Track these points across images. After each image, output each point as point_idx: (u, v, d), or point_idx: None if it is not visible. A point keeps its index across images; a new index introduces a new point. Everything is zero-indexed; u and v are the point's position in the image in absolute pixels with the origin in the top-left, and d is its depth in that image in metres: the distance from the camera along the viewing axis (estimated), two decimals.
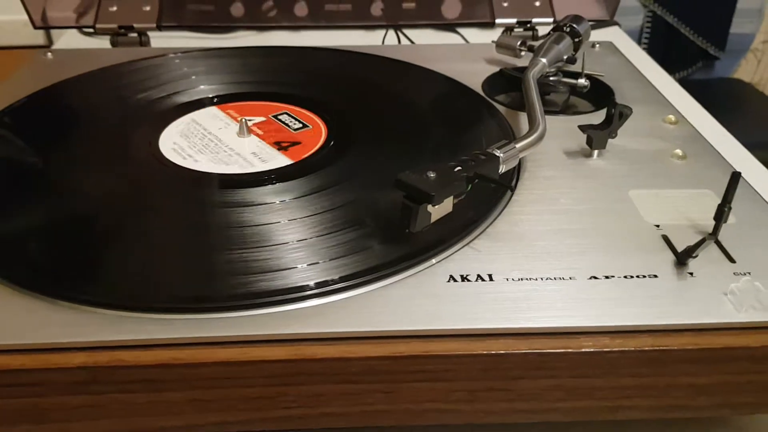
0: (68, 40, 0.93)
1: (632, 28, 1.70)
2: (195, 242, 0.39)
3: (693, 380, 0.35)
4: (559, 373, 0.34)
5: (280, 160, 0.47)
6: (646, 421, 0.39)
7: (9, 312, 0.34)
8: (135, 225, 0.41)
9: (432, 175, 0.36)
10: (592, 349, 0.33)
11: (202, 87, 0.57)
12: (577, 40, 0.59)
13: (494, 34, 0.70)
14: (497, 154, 0.41)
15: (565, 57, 0.56)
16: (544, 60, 0.54)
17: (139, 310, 0.33)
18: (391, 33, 0.94)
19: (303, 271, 0.36)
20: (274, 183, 0.44)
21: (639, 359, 0.34)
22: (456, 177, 0.37)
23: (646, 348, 0.34)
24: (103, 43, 0.77)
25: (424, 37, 0.92)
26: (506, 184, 0.40)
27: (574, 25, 0.58)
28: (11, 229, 0.40)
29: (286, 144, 0.49)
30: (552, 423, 0.38)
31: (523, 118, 0.53)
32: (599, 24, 0.99)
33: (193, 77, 0.58)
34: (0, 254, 0.37)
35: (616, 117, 0.47)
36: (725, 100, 1.63)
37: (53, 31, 1.00)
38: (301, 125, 0.51)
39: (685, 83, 1.74)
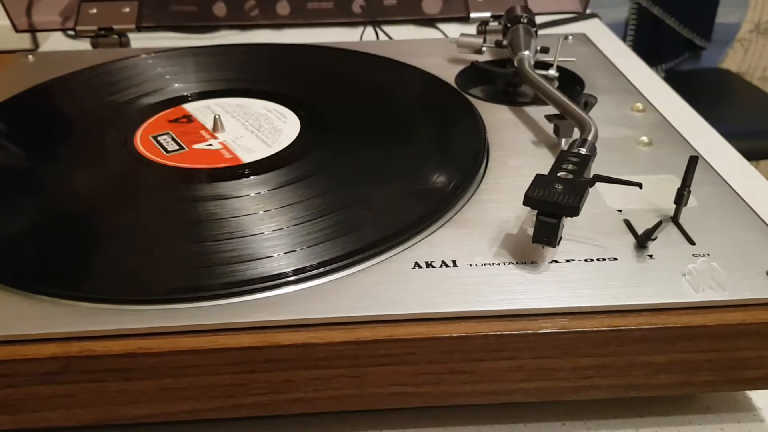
0: (54, 43, 0.93)
1: (617, 21, 1.71)
2: (168, 235, 0.40)
3: (652, 359, 0.36)
4: (520, 355, 0.35)
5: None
6: (626, 403, 0.40)
7: None
8: (107, 219, 0.41)
9: (559, 186, 0.36)
10: (550, 330, 0.34)
11: (176, 85, 0.58)
12: (534, 29, 0.60)
13: (470, 30, 0.71)
14: (588, 153, 0.41)
15: (539, 47, 0.57)
16: (527, 53, 0.55)
17: (109, 302, 0.34)
18: (370, 30, 0.95)
19: (271, 261, 0.37)
20: (249, 176, 0.45)
21: (597, 339, 0.35)
22: (581, 184, 0.37)
23: (604, 328, 0.35)
24: (88, 45, 0.77)
25: (404, 33, 0.93)
26: (635, 183, 0.39)
27: (527, 15, 0.59)
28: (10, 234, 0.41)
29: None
30: (539, 407, 0.39)
31: (496, 109, 0.54)
32: (579, 17, 1.00)
33: (168, 76, 0.59)
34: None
35: (582, 105, 0.48)
36: (713, 91, 1.64)
37: (39, 35, 1.01)
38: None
39: (672, 74, 1.76)
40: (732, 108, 1.56)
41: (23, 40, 1.03)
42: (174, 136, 0.50)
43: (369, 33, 0.94)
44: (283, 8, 0.90)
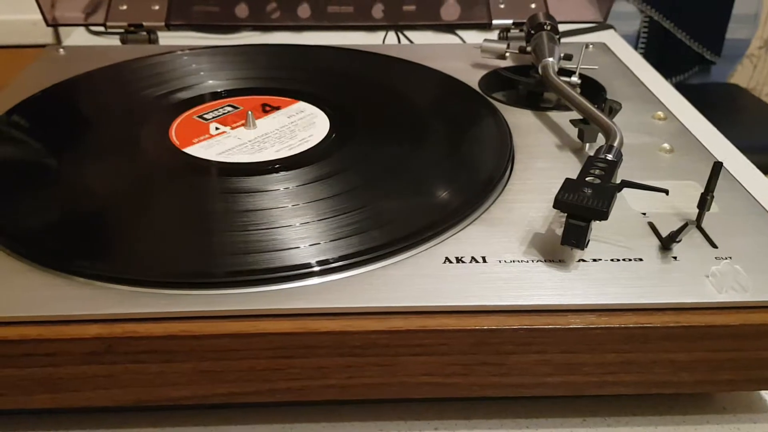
0: (76, 39, 0.95)
1: (629, 33, 1.72)
2: (204, 224, 0.41)
3: (675, 357, 0.36)
4: (548, 349, 0.36)
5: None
6: (644, 401, 0.41)
7: (29, 287, 0.36)
8: (149, 206, 0.43)
9: (588, 191, 0.37)
10: (579, 326, 0.35)
11: (210, 82, 0.59)
12: (557, 36, 0.61)
13: (491, 36, 0.72)
14: (615, 159, 0.42)
15: (562, 54, 0.58)
16: (552, 59, 0.56)
17: (151, 286, 0.35)
18: (391, 33, 0.96)
19: (306, 251, 0.38)
20: (279, 172, 0.46)
21: (623, 336, 0.36)
22: (610, 189, 0.38)
23: (630, 325, 0.36)
24: (110, 41, 0.79)
25: (422, 38, 0.94)
26: (662, 189, 0.40)
27: (551, 23, 0.61)
28: (32, 212, 0.42)
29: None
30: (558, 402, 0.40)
31: (520, 113, 0.56)
32: (595, 27, 1.01)
33: (201, 73, 0.60)
34: (22, 235, 0.39)
35: (606, 111, 0.49)
36: (721, 105, 1.66)
37: (61, 31, 1.02)
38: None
39: (681, 88, 1.76)
40: (741, 122, 1.57)
41: (45, 36, 1.04)
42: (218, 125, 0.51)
43: (389, 37, 0.95)
44: (303, 11, 0.92)
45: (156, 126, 0.51)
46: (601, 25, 1.07)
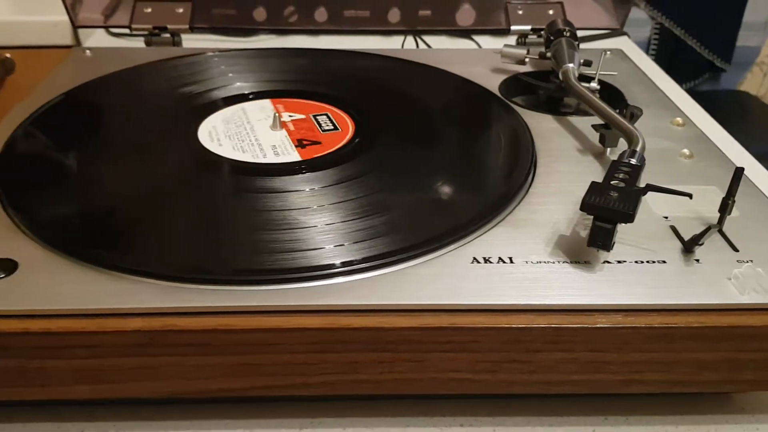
0: (96, 40, 0.96)
1: (640, 40, 1.74)
2: (237, 223, 0.42)
3: (698, 356, 0.37)
4: (575, 347, 0.37)
5: (293, 156, 0.50)
6: (665, 400, 0.42)
7: (73, 282, 0.37)
8: (185, 206, 0.44)
9: (615, 194, 0.38)
10: (605, 325, 0.36)
11: (249, 83, 0.61)
12: (576, 42, 0.62)
13: (505, 41, 0.73)
14: (639, 164, 0.43)
15: (582, 60, 0.59)
16: (572, 65, 0.57)
17: (190, 282, 0.36)
18: (409, 38, 0.97)
19: (338, 250, 0.39)
20: (305, 173, 0.47)
21: (649, 336, 0.37)
22: (635, 193, 0.39)
23: (655, 325, 0.37)
24: (130, 43, 0.80)
25: (438, 42, 0.95)
26: (686, 193, 0.42)
27: (570, 29, 0.62)
28: (74, 210, 0.43)
29: (306, 142, 0.51)
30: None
31: (541, 118, 0.57)
32: (609, 33, 1.02)
33: (232, 74, 0.61)
34: (65, 233, 0.40)
35: (628, 117, 0.50)
36: (731, 112, 1.66)
37: (81, 33, 1.03)
38: (332, 127, 0.54)
39: (691, 94, 1.77)
40: (751, 130, 1.58)
41: (64, 37, 1.05)
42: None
43: (400, 41, 0.96)
44: (320, 15, 0.93)
45: (184, 125, 0.52)
46: (615, 32, 1.08)
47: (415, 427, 0.41)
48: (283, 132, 0.53)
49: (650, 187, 0.41)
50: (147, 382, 0.36)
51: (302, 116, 0.55)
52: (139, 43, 0.80)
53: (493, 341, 0.36)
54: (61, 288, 0.36)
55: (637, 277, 0.39)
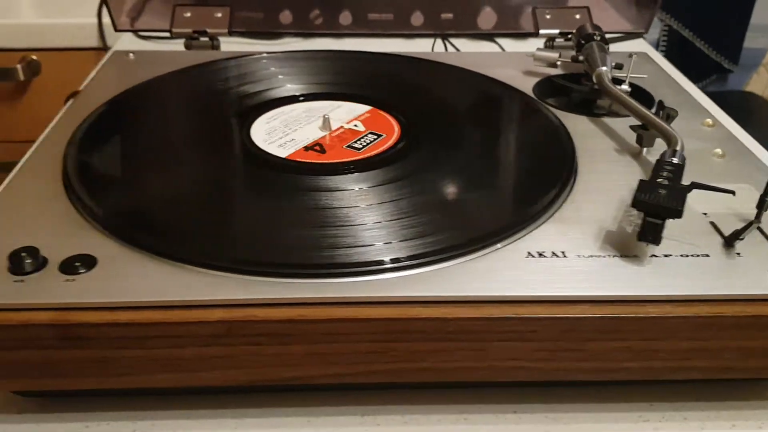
0: (126, 43, 0.98)
1: (648, 42, 1.76)
2: (303, 219, 0.44)
3: (744, 344, 0.40)
4: (628, 336, 0.39)
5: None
6: (707, 387, 0.44)
7: (152, 276, 0.39)
8: (251, 204, 0.47)
9: (663, 191, 0.41)
10: (657, 315, 0.39)
11: (298, 85, 0.63)
12: (606, 46, 0.65)
13: (526, 43, 0.75)
14: (680, 163, 0.45)
15: (613, 63, 0.61)
16: (605, 68, 0.59)
17: (266, 275, 0.39)
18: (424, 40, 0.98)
19: (401, 245, 0.41)
20: (353, 172, 0.49)
21: (697, 324, 0.39)
22: (682, 190, 0.42)
23: (704, 314, 0.39)
24: (157, 45, 0.82)
25: (460, 45, 0.97)
26: (729, 190, 0.44)
27: (599, 33, 0.64)
28: (147, 206, 0.46)
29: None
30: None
31: (576, 119, 0.59)
32: (624, 36, 1.04)
33: (282, 76, 0.64)
34: (143, 229, 0.43)
35: (664, 118, 0.52)
36: (739, 113, 1.68)
37: (108, 36, 1.05)
38: (375, 138, 0.55)
39: None
40: (760, 130, 1.60)
41: (91, 39, 1.08)
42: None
43: (423, 44, 0.98)
44: (345, 18, 0.95)
45: (238, 125, 0.55)
46: (630, 35, 1.10)
47: (470, 414, 0.43)
48: (327, 134, 0.55)
49: (695, 185, 0.43)
50: (225, 370, 0.38)
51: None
52: (167, 45, 0.83)
53: (551, 330, 0.38)
54: (141, 281, 0.38)
55: (683, 270, 0.41)
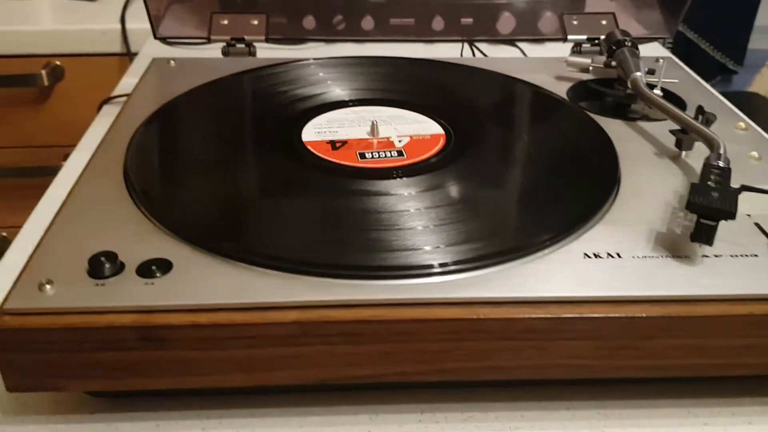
0: (152, 48, 0.99)
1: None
2: (366, 223, 0.46)
3: None
4: (683, 334, 0.41)
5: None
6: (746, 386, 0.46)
7: (228, 279, 0.40)
8: (315, 208, 0.48)
9: (715, 194, 0.42)
10: (712, 314, 0.40)
11: (346, 91, 0.65)
12: (637, 51, 0.66)
13: (545, 48, 0.76)
14: (728, 167, 0.47)
15: (646, 69, 0.63)
16: (639, 74, 0.61)
17: (336, 277, 0.40)
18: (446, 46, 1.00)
19: (464, 247, 0.43)
20: (401, 177, 0.51)
21: (751, 322, 0.40)
22: (733, 192, 0.43)
23: (757, 313, 0.40)
24: (185, 51, 0.83)
25: (484, 49, 0.99)
26: None
27: (630, 39, 0.66)
28: (217, 212, 0.48)
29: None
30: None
31: (613, 123, 0.60)
32: (641, 39, 1.06)
33: (329, 82, 0.66)
34: (216, 234, 0.44)
35: (704, 122, 0.54)
36: (744, 113, 1.71)
37: (132, 42, 1.07)
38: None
39: None
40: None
41: (114, 45, 1.09)
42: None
43: (445, 49, 0.99)
44: (367, 23, 0.97)
45: (290, 130, 0.56)
46: (645, 39, 1.12)
47: (527, 411, 0.44)
48: (373, 139, 0.56)
49: (745, 188, 0.44)
50: (299, 369, 0.40)
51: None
52: (194, 51, 0.84)
53: (611, 329, 0.40)
54: (217, 284, 0.40)
55: (734, 270, 0.42)
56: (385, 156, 0.54)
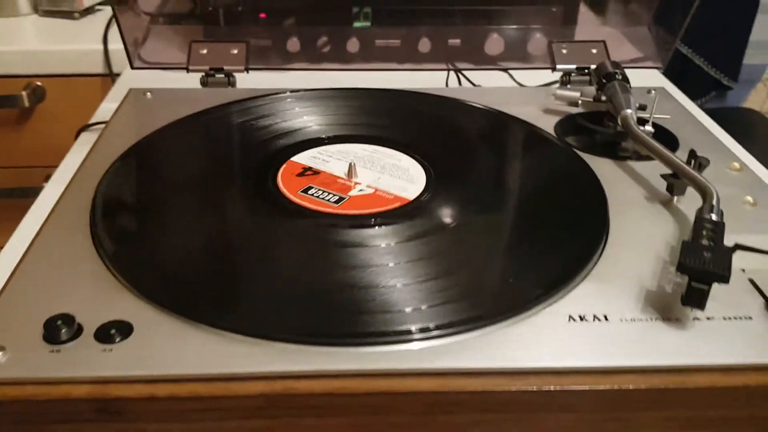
0: (133, 72, 0.97)
1: None
2: (334, 282, 0.43)
3: None
4: (675, 406, 0.38)
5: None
6: None
7: (192, 345, 0.38)
8: (282, 265, 0.46)
9: (708, 255, 0.40)
10: (705, 385, 0.38)
11: (323, 126, 0.62)
12: (628, 85, 0.64)
13: (536, 73, 0.74)
14: (722, 221, 0.45)
15: (638, 104, 0.61)
16: (630, 111, 0.59)
17: (303, 343, 0.38)
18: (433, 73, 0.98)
19: (436, 311, 0.40)
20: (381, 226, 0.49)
21: (747, 394, 0.38)
22: (726, 253, 0.41)
23: (752, 384, 0.38)
24: (171, 76, 0.80)
25: (471, 74, 0.96)
26: None
27: (620, 72, 0.64)
28: (182, 270, 0.45)
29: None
30: None
31: (602, 162, 0.58)
32: (633, 66, 1.04)
33: (305, 117, 0.63)
34: (179, 294, 0.42)
35: (696, 167, 0.52)
36: (739, 128, 1.68)
37: (114, 65, 1.04)
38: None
39: None
40: (763, 148, 1.60)
41: (95, 66, 1.06)
42: (321, 187, 0.53)
43: (430, 77, 0.97)
44: (353, 45, 0.94)
45: (264, 173, 0.54)
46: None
47: None
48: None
49: (739, 247, 0.42)
50: None
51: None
52: (178, 75, 0.81)
53: (598, 402, 0.38)
54: (178, 351, 0.38)
55: (727, 334, 0.40)
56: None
